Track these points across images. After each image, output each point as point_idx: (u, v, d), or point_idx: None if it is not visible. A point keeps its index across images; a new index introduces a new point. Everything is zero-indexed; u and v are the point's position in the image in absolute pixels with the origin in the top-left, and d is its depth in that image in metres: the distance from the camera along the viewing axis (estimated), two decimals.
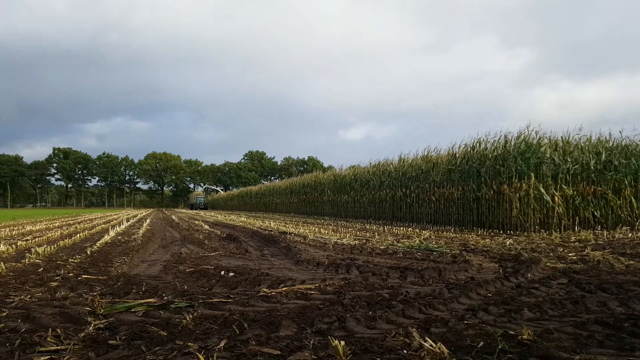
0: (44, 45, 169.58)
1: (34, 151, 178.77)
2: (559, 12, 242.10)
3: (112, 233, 11.02)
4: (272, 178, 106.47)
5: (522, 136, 12.34)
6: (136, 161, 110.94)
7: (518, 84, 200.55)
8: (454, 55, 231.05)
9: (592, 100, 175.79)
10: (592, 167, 12.45)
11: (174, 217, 25.65)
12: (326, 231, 12.18)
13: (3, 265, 5.39)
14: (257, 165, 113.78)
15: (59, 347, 2.60)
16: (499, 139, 12.86)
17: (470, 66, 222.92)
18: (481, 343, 2.53)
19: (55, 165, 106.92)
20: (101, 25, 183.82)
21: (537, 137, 12.32)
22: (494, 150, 12.82)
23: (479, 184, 13.14)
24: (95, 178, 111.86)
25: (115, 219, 21.24)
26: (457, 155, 14.56)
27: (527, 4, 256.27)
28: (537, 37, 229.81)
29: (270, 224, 16.70)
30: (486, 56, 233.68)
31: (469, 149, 13.98)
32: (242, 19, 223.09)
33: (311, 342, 2.59)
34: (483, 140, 13.47)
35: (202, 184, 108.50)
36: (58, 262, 6.07)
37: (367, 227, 14.88)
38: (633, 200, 12.88)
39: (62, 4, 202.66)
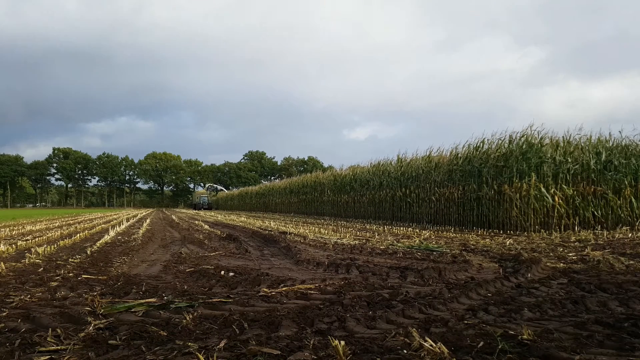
0: (53, 44, 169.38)
1: (36, 151, 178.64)
2: (571, 11, 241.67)
3: (112, 233, 11.02)
4: (272, 178, 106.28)
5: (525, 136, 12.36)
6: (137, 161, 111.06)
7: (527, 83, 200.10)
8: (463, 54, 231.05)
9: (600, 99, 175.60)
10: (592, 167, 12.46)
11: (174, 217, 25.65)
12: (326, 231, 12.18)
13: (3, 265, 5.39)
14: (257, 165, 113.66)
15: (59, 347, 2.60)
16: (504, 138, 12.90)
17: (478, 65, 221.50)
18: (481, 343, 2.53)
19: (55, 165, 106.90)
20: (111, 24, 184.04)
21: (540, 137, 12.35)
22: (497, 150, 12.83)
23: (480, 184, 13.15)
24: (95, 178, 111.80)
25: (115, 219, 21.23)
26: (460, 155, 14.57)
27: (538, 2, 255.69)
28: (547, 36, 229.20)
29: (270, 223, 16.70)
30: (494, 55, 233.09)
31: (472, 149, 13.99)
32: (248, 18, 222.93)
33: (311, 342, 2.59)
34: (487, 140, 13.51)
35: (202, 184, 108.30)
36: (58, 262, 6.07)
37: (367, 227, 14.88)
38: (633, 200, 12.88)
39: (73, 3, 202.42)
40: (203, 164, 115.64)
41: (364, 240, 9.44)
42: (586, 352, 2.38)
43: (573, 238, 9.66)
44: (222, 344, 2.58)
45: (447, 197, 14.89)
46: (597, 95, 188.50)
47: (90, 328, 2.92)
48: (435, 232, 12.21)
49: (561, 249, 7.54)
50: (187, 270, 5.45)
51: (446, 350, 2.36)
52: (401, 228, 14.05)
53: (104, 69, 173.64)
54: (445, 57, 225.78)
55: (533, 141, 12.13)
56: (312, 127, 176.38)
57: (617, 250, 7.34)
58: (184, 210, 54.57)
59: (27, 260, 6.15)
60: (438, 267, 5.37)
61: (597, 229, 11.94)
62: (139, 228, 13.69)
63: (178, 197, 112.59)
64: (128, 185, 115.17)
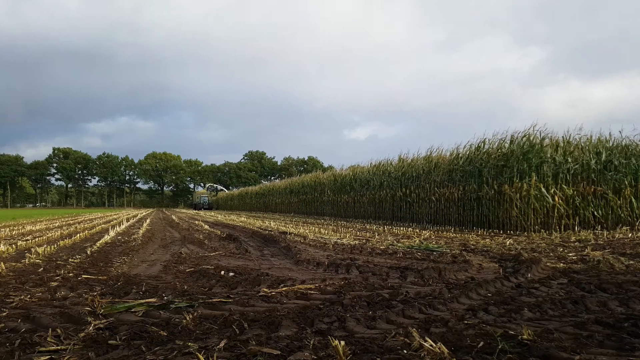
0: (53, 44, 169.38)
1: (36, 151, 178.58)
2: (571, 11, 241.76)
3: (112, 233, 11.02)
4: (272, 178, 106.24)
5: (527, 136, 12.36)
6: (137, 161, 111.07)
7: (528, 82, 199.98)
8: (463, 54, 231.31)
9: (601, 99, 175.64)
10: (592, 167, 12.46)
11: (174, 217, 25.65)
12: (326, 231, 12.18)
13: (3, 265, 5.39)
14: (257, 165, 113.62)
15: (59, 347, 2.60)
16: (504, 138, 12.90)
17: (479, 65, 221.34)
18: (481, 343, 2.53)
19: (55, 165, 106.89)
20: (112, 24, 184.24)
21: (540, 137, 12.36)
22: (497, 150, 12.83)
23: (480, 184, 13.15)
24: (95, 178, 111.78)
25: (115, 219, 21.23)
26: (460, 155, 14.57)
27: (538, 2, 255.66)
28: (547, 36, 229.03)
29: (270, 223, 16.70)
30: (495, 55, 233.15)
31: (473, 149, 14.00)
32: (249, 18, 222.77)
33: (311, 342, 2.59)
34: (488, 140, 13.51)
35: (202, 184, 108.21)
36: (58, 262, 6.07)
37: (367, 227, 14.88)
38: (633, 200, 12.88)
39: (74, 3, 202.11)
40: (203, 164, 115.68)
41: (364, 240, 9.44)
42: (586, 352, 2.38)
43: (573, 238, 9.66)
44: (222, 344, 2.58)
45: (447, 197, 14.89)
46: (598, 95, 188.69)
47: (90, 328, 2.92)
48: (435, 232, 12.21)
49: (561, 249, 7.54)
50: (187, 270, 5.45)
51: (446, 350, 2.36)
52: (401, 228, 14.04)
53: (104, 69, 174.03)
54: (445, 57, 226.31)
55: (535, 141, 12.14)
56: (312, 127, 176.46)
57: (617, 250, 7.34)
58: (184, 210, 54.56)
59: (27, 260, 6.15)
60: (438, 267, 5.37)
61: (597, 229, 11.94)
62: (139, 228, 13.69)
63: (178, 197, 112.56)
64: (128, 185, 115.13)
